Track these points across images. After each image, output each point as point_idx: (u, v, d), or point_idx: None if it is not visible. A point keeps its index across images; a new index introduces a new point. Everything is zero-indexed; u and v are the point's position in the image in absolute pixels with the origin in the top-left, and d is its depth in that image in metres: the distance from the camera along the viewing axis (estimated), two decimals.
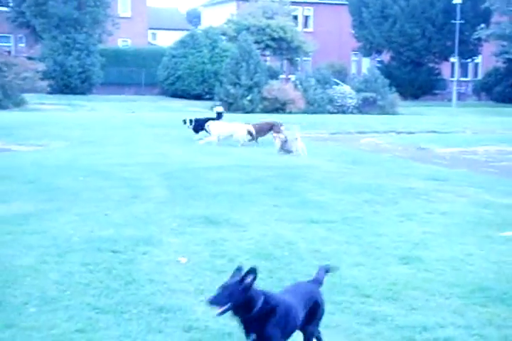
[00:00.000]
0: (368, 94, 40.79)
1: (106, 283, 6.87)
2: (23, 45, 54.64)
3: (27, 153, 17.93)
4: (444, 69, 62.55)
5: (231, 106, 38.40)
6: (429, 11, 56.71)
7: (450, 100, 55.68)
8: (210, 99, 42.91)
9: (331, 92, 40.18)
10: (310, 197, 11.79)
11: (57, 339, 5.51)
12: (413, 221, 10.21)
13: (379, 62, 63.24)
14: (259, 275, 7.17)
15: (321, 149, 20.39)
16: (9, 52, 43.66)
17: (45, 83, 35.91)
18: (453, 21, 54.25)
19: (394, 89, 42.19)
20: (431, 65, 61.23)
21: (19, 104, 34.37)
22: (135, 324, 5.83)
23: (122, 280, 6.94)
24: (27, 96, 35.66)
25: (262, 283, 6.96)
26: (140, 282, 6.90)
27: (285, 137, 18.69)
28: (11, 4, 53.50)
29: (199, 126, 21.00)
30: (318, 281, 5.33)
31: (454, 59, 59.61)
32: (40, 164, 14.71)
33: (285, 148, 18.22)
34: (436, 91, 61.57)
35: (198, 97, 46.27)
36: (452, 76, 61.93)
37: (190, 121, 21.20)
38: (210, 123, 20.42)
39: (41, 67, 35.65)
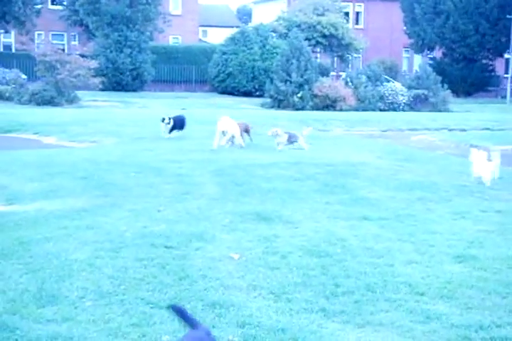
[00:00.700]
0: (419, 91, 40.40)
1: (160, 278, 6.92)
2: (76, 42, 55.27)
3: (80, 150, 18.15)
4: (498, 65, 61.59)
5: (281, 103, 38.36)
6: (483, 6, 55.84)
7: (504, 97, 54.86)
8: (261, 95, 42.91)
9: (381, 89, 39.88)
10: (362, 195, 11.73)
11: (113, 333, 5.58)
12: (467, 219, 10.09)
13: (431, 58, 62.51)
14: (312, 273, 7.20)
15: (372, 146, 20.25)
16: (63, 50, 44.13)
17: (97, 80, 36.26)
18: (508, 16, 53.41)
19: (446, 86, 41.67)
20: (484, 61, 60.33)
21: (72, 101, 34.78)
22: None
23: (176, 276, 6.99)
24: (80, 93, 36.07)
25: (316, 280, 6.97)
26: (193, 278, 6.94)
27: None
28: (65, 3, 54.21)
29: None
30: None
31: (508, 55, 58.64)
32: (93, 160, 14.87)
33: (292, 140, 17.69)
34: (490, 88, 60.64)
35: (249, 94, 46.29)
36: (506, 72, 60.95)
37: (169, 118, 19.93)
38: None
39: (93, 64, 35.99)
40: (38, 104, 32.80)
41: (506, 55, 59.77)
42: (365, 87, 39.24)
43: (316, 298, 6.52)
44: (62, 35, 57.14)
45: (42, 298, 6.31)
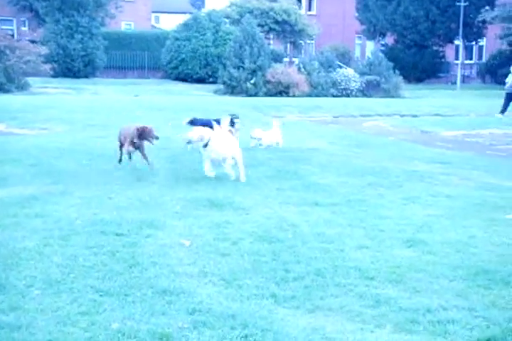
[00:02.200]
0: (371, 77, 40.67)
1: (109, 266, 6.87)
2: (25, 28, 54.37)
3: (30, 137, 17.91)
4: (449, 52, 62.32)
5: (234, 90, 38.33)
6: None
7: (454, 83, 55.55)
8: (214, 82, 42.82)
9: (334, 75, 40.06)
10: (313, 180, 11.78)
11: (62, 321, 5.52)
12: (417, 204, 10.20)
13: (383, 45, 62.97)
14: (263, 259, 7.22)
15: (325, 132, 20.35)
16: (12, 35, 43.49)
17: (48, 67, 35.79)
18: (457, 3, 53.98)
19: (398, 72, 42.03)
20: (435, 47, 60.98)
21: (22, 87, 34.31)
22: (138, 306, 5.83)
23: (126, 263, 6.94)
24: (30, 79, 35.58)
25: (266, 266, 6.99)
26: (144, 265, 6.90)
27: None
28: None
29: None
30: None
31: (458, 42, 59.41)
32: (44, 147, 14.70)
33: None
34: (441, 74, 61.36)
35: (202, 81, 46.15)
36: (457, 59, 61.74)
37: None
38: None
39: (44, 50, 35.52)
40: None
41: (456, 42, 60.49)
42: (318, 73, 39.38)
43: (266, 284, 6.53)
44: (12, 20, 56.21)
45: None
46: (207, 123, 12.63)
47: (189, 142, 11.66)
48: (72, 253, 7.22)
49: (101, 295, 6.09)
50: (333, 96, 38.66)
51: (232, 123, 13.44)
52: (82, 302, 5.94)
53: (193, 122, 14.72)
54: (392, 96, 39.72)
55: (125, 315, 5.64)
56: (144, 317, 5.62)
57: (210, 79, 44.99)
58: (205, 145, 11.31)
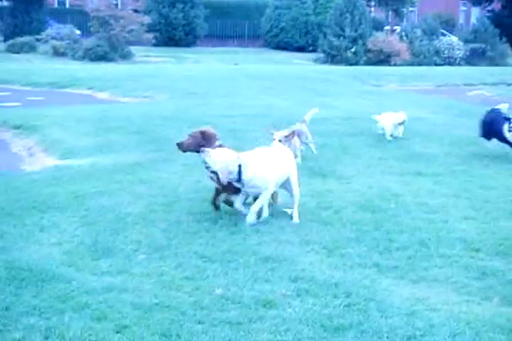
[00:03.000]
0: (476, 45, 39.57)
1: (212, 232, 6.94)
2: None
3: (133, 105, 18.21)
4: None
5: (334, 59, 37.96)
6: None
7: None
8: (314, 51, 42.48)
9: (437, 43, 39.15)
10: (416, 150, 11.59)
11: (167, 286, 5.63)
12: None
13: (489, 11, 61.00)
14: (365, 228, 7.15)
15: (427, 102, 19.94)
16: (116, 5, 44.14)
17: (150, 36, 36.27)
18: None
19: (505, 39, 40.72)
20: None
21: (125, 56, 34.90)
22: (242, 273, 5.88)
23: (228, 230, 7.00)
24: (133, 48, 36.14)
25: (369, 236, 6.93)
26: (246, 232, 6.95)
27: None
28: None
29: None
30: None
31: None
32: (147, 115, 14.92)
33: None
34: None
35: (301, 49, 45.86)
36: None
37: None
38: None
39: (146, 19, 35.97)
40: (92, 60, 32.97)
41: None
42: (421, 41, 38.55)
43: (369, 254, 6.48)
44: None
45: (97, 250, 6.39)
46: None
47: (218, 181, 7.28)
48: (176, 220, 7.33)
49: (204, 261, 6.17)
50: (436, 64, 37.79)
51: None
52: (186, 267, 6.03)
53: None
54: (498, 65, 38.53)
55: (228, 281, 5.71)
56: (247, 283, 5.67)
57: (310, 48, 44.64)
58: (239, 180, 7.14)
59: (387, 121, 12.38)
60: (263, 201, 7.22)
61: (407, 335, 4.87)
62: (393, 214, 7.73)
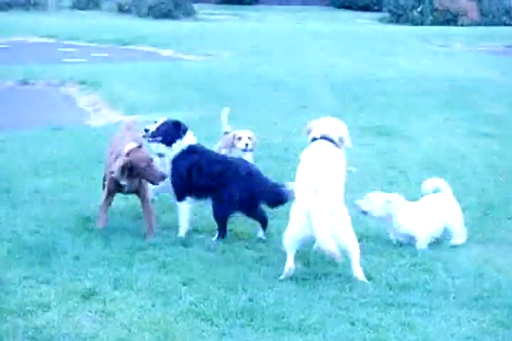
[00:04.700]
0: None
1: None
2: None
3: (197, 62, 18.21)
4: None
5: (400, 18, 37.25)
6: None
7: None
8: (379, 10, 41.76)
9: (507, 2, 38.11)
10: (484, 111, 11.37)
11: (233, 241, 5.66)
12: None
13: None
14: None
15: (495, 63, 19.48)
16: None
17: None
18: None
19: None
20: None
21: (189, 14, 34.79)
22: None
23: None
24: (196, 6, 36.03)
25: None
26: None
27: None
28: None
29: None
30: None
31: None
32: (211, 73, 14.91)
33: None
34: None
35: (366, 9, 45.08)
36: None
37: None
38: None
39: None
40: (156, 17, 32.96)
41: None
42: (490, 0, 37.59)
43: None
44: None
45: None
46: None
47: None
48: None
49: (270, 218, 6.20)
50: (505, 24, 36.76)
51: None
52: (253, 223, 6.06)
53: None
54: None
55: None
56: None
57: (375, 7, 43.83)
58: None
59: None
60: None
61: (474, 296, 4.84)
62: (460, 175, 7.63)
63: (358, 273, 5.04)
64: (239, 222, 6.10)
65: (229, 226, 5.98)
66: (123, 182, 5.73)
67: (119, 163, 5.60)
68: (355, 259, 5.05)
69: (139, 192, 5.88)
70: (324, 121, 5.70)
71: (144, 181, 5.81)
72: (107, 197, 5.86)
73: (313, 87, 13.26)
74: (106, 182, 5.99)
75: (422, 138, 9.38)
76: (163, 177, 5.72)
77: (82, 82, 13.76)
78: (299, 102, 11.76)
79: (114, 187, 5.82)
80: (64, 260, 5.25)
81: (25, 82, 13.91)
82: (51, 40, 21.79)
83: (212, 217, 5.89)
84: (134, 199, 6.44)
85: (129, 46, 21.85)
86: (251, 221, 6.09)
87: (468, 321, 4.54)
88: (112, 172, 5.64)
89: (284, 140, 8.99)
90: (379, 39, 22.83)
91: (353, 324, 4.46)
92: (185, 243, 5.65)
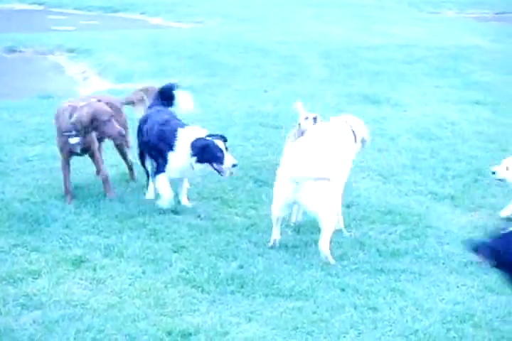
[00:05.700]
0: None
1: (268, 156, 6.95)
2: None
3: (186, 30, 18.06)
4: None
5: None
6: None
7: None
8: None
9: None
10: (474, 78, 11.34)
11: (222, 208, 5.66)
12: None
13: None
14: (421, 156, 7.09)
15: (485, 29, 19.40)
16: None
17: None
18: None
19: None
20: None
21: None
22: None
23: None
24: None
25: (425, 163, 6.88)
26: None
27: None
28: None
29: None
30: None
31: None
32: (200, 40, 14.78)
33: None
34: None
35: None
36: None
37: None
38: None
39: None
40: None
41: None
42: None
43: (425, 181, 6.45)
44: None
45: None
46: None
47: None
48: (231, 144, 7.27)
49: (260, 186, 6.21)
50: None
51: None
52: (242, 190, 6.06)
53: None
54: None
55: None
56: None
57: None
58: None
59: None
60: None
61: (464, 262, 4.88)
62: (450, 142, 7.66)
63: (324, 246, 4.81)
64: (228, 189, 6.10)
65: (219, 194, 5.98)
66: (74, 141, 5.70)
67: (85, 109, 5.60)
68: (325, 232, 4.82)
69: (91, 149, 5.85)
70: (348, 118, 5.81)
71: (94, 138, 5.81)
72: (65, 165, 5.87)
73: (303, 54, 13.18)
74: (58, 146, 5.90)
75: (412, 105, 9.36)
76: (121, 134, 5.72)
77: (71, 50, 13.63)
78: (288, 70, 11.69)
79: (68, 149, 5.78)
80: (54, 228, 5.25)
81: (13, 50, 13.76)
82: (40, 8, 21.57)
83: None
84: (123, 167, 6.44)
85: (118, 14, 21.66)
86: (241, 188, 6.10)
87: (458, 286, 4.59)
88: (74, 124, 5.60)
89: (273, 107, 8.94)
90: (369, 6, 22.67)
91: (343, 290, 4.49)
92: (175, 210, 5.65)
